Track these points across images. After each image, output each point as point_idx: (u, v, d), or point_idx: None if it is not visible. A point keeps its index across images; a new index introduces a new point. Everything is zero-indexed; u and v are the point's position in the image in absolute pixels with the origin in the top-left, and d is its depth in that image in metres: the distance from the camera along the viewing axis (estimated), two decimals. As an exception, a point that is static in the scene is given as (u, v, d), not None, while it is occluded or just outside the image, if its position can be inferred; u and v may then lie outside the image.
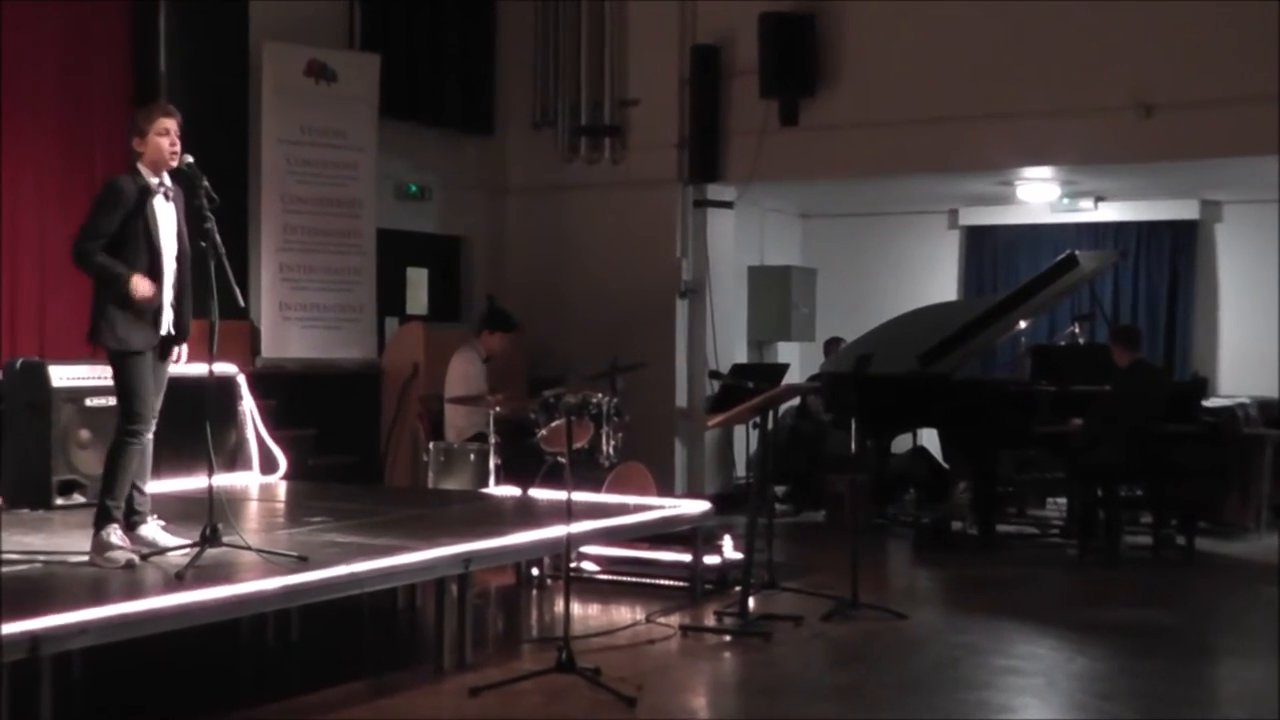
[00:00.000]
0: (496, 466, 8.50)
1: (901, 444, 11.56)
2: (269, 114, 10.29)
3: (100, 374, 7.38)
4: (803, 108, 11.38)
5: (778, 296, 13.16)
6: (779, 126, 11.41)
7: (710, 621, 7.06)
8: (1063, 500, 10.89)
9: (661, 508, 7.81)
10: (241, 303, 5.79)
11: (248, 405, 8.76)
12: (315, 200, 10.50)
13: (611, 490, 8.35)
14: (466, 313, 12.17)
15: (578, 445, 8.50)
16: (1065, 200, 12.97)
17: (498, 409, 8.50)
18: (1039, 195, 12.71)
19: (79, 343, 8.43)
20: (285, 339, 10.35)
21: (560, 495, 6.67)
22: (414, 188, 11.79)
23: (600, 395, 8.70)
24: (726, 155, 11.73)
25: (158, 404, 5.84)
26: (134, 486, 5.81)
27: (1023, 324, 10.81)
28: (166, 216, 5.79)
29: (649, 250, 11.81)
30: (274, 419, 9.03)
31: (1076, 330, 11.08)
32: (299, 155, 10.42)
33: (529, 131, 12.39)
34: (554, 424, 8.55)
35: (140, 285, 5.62)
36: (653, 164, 11.82)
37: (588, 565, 8.17)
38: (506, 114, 12.42)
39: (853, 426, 9.19)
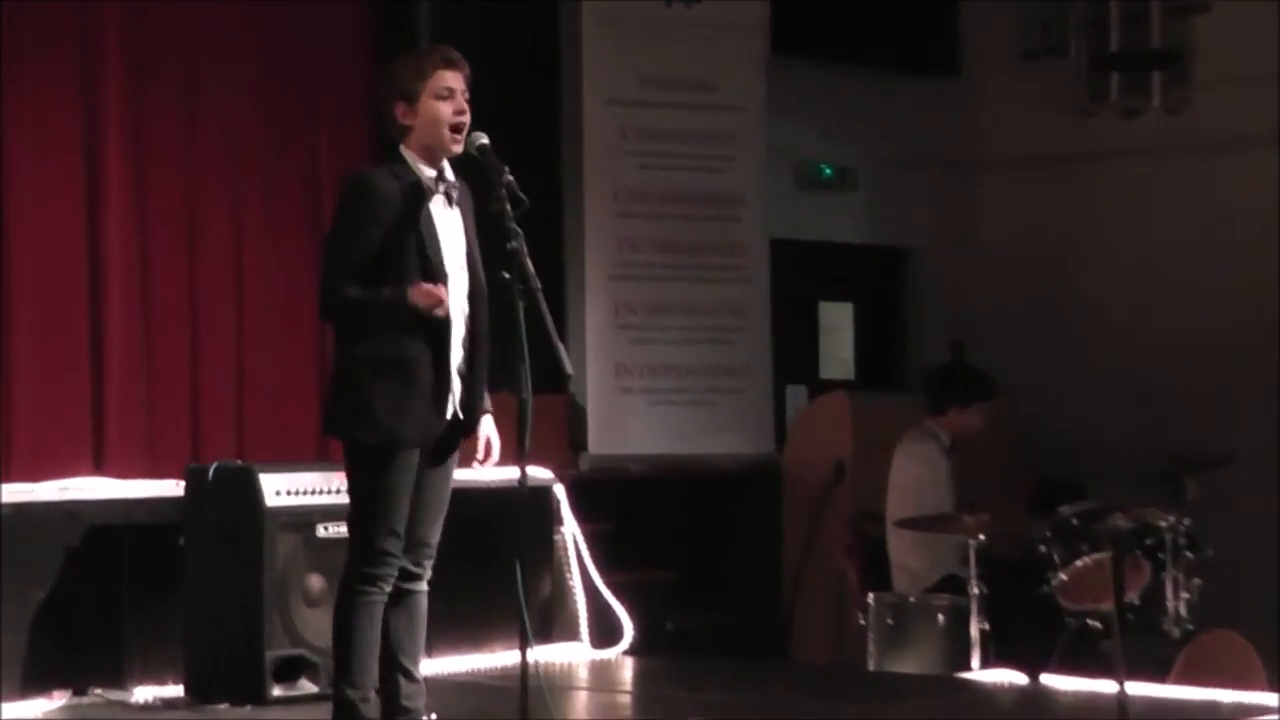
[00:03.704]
0: (983, 633, 8.49)
1: None
2: (592, 61, 10.56)
3: (338, 485, 7.53)
4: None
5: None
6: None
7: None
8: None
9: (1280, 710, 7.66)
10: (569, 369, 5.80)
11: (570, 532, 8.96)
12: (668, 195, 10.73)
13: (1186, 678, 8.19)
14: (917, 373, 12.13)
15: (1128, 598, 8.39)
16: None
17: (981, 537, 8.48)
18: None
19: (298, 437, 8.77)
20: (625, 423, 10.59)
21: (1103, 686, 6.44)
22: (828, 170, 11.98)
23: (1161, 515, 8.58)
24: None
25: (436, 532, 5.95)
26: (399, 668, 5.91)
27: None
28: (451, 230, 5.85)
29: (1232, 255, 11.68)
30: (610, 554, 9.20)
31: None
32: (640, 123, 10.68)
33: (1018, 67, 12.36)
34: (1081, 563, 8.54)
35: (423, 294, 5.63)
36: (1238, 111, 11.62)
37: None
38: (979, 41, 12.58)
39: None
